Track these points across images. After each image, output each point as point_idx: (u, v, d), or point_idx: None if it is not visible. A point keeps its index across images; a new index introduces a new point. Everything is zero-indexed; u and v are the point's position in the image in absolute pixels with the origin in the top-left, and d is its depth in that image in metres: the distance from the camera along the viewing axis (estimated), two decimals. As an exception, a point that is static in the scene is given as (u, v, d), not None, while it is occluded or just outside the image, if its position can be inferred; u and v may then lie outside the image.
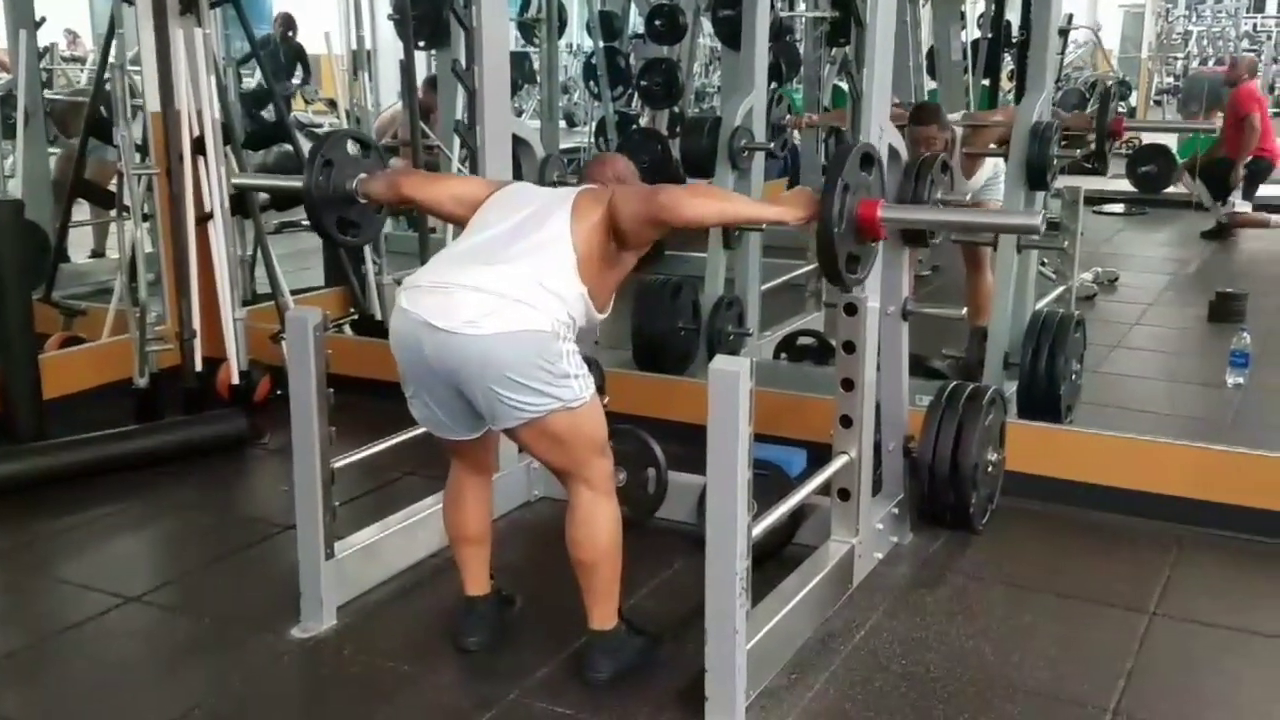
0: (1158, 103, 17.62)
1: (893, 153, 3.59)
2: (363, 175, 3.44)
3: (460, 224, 3.16)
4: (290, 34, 10.73)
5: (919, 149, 5.36)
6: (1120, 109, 15.74)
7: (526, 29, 10.68)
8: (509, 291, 2.81)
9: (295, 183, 3.50)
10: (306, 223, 9.04)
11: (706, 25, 9.56)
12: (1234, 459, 4.11)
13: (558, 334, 2.84)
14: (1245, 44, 18.44)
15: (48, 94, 7.84)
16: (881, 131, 3.51)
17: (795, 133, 7.65)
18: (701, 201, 2.98)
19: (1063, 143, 5.03)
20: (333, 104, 8.44)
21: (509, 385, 2.81)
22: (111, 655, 3.40)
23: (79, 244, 8.06)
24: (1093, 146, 5.35)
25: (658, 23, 9.24)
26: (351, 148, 3.54)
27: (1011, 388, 4.81)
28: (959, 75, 8.45)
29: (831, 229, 2.88)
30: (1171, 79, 18.26)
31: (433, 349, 2.83)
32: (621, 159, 3.34)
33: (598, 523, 3.00)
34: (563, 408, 2.88)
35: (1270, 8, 21.11)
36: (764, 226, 5.55)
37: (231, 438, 4.87)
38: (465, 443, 3.14)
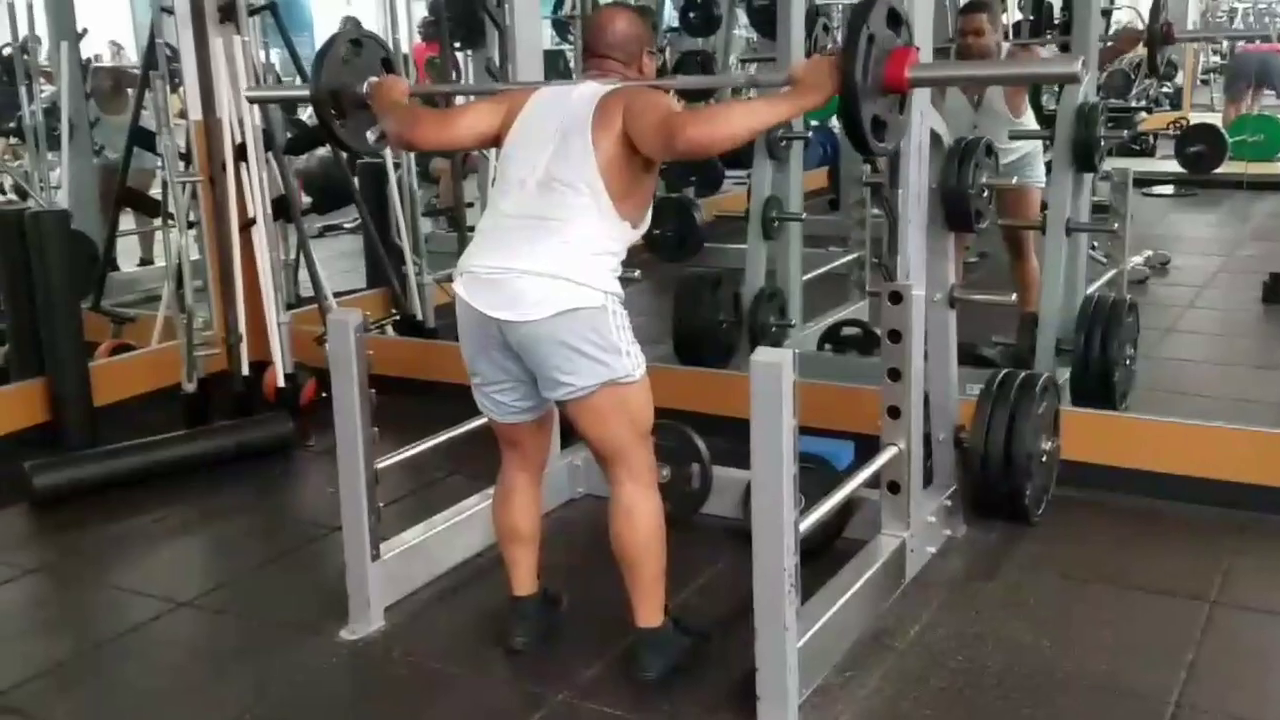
0: (1204, 82, 17.39)
1: (935, 137, 3.54)
2: (372, 79, 3.39)
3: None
4: None
5: (965, 40, 5.28)
6: (1166, 90, 15.58)
7: (561, 26, 10.63)
8: (560, 270, 2.83)
9: (304, 91, 3.48)
10: (348, 225, 9.11)
11: (741, 16, 9.47)
12: (1294, 442, 4.02)
13: (607, 307, 2.87)
14: (1294, 21, 18.17)
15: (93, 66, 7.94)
16: (922, 116, 3.45)
17: (834, 117, 7.52)
18: (725, 129, 2.74)
19: (1109, 124, 4.95)
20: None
21: (561, 359, 2.86)
22: (162, 660, 3.41)
23: (129, 253, 8.14)
24: (1139, 128, 5.27)
25: (692, 15, 9.16)
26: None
27: (1064, 374, 4.74)
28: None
29: (857, 96, 2.61)
30: (1218, 58, 18.01)
31: (496, 331, 2.91)
32: (619, 15, 3.15)
33: (640, 515, 2.98)
34: (611, 383, 2.90)
35: (1320, -17, 20.80)
36: (803, 215, 5.53)
37: (278, 440, 4.89)
38: (523, 429, 3.14)
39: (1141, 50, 14.96)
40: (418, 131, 3.21)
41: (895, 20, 2.75)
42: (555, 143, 2.92)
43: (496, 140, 3.10)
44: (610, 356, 2.88)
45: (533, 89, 3.12)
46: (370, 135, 3.47)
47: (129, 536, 4.21)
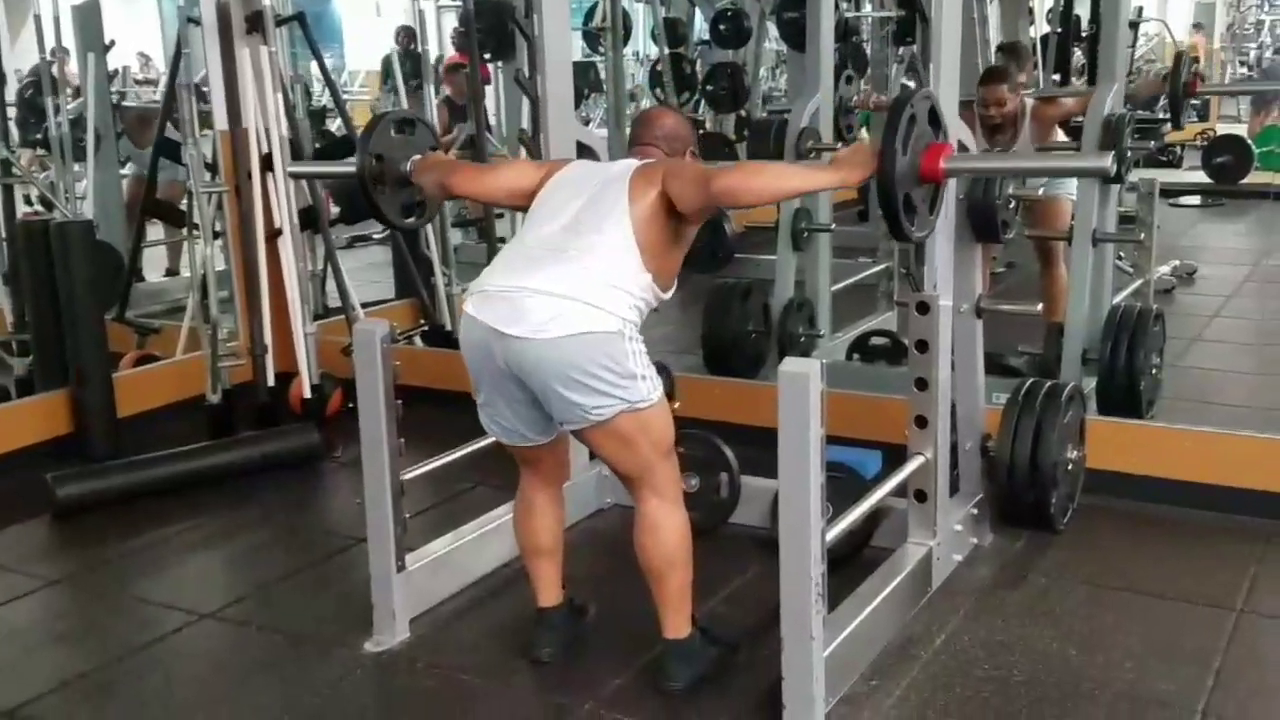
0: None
1: (961, 148, 3.52)
2: (416, 156, 3.43)
3: (519, 210, 3.17)
4: (413, 46, 10.54)
5: (987, 110, 5.31)
6: (1193, 101, 15.48)
7: (591, 38, 10.65)
8: (575, 293, 2.80)
9: (349, 167, 3.50)
10: (376, 236, 9.14)
11: (771, 28, 9.49)
12: (1322, 452, 4.00)
13: (624, 333, 2.83)
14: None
15: (121, 104, 7.98)
16: (949, 128, 3.44)
17: (864, 129, 7.56)
18: (758, 183, 2.87)
19: (1136, 135, 4.93)
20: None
21: (576, 386, 2.80)
22: (186, 672, 3.41)
23: (154, 264, 8.17)
24: (1166, 139, 5.24)
25: (722, 27, 9.20)
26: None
27: (1090, 384, 4.72)
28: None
29: (893, 177, 2.77)
30: (1245, 69, 17.95)
31: (502, 354, 2.85)
32: (669, 113, 3.33)
33: (665, 530, 2.97)
34: (629, 408, 2.86)
35: (1346, -7, 20.74)
36: (832, 226, 5.53)
37: (304, 451, 4.89)
38: (536, 449, 3.12)
39: (1169, 60, 14.94)
40: (454, 178, 3.30)
41: (933, 117, 2.93)
42: (590, 194, 2.96)
43: (530, 197, 3.10)
44: (627, 382, 2.84)
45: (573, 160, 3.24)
46: (405, 165, 3.46)
47: (152, 548, 4.21)
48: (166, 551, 4.20)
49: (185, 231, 5.68)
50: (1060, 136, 5.66)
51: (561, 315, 2.78)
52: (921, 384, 3.47)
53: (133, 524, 4.36)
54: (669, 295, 3.01)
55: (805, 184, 3.12)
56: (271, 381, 5.31)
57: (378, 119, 3.51)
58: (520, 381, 2.88)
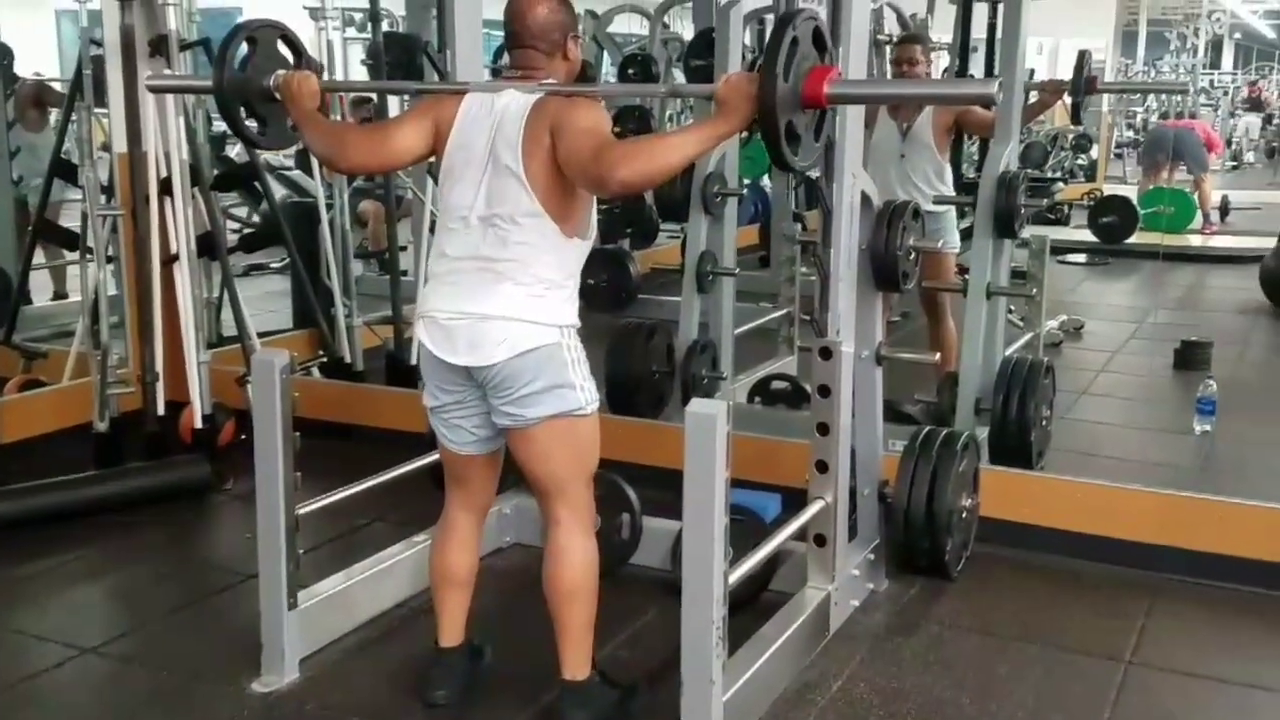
0: (1118, 155, 17.83)
1: (865, 199, 3.58)
2: (280, 72, 3.30)
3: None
4: None
5: (900, 69, 5.63)
6: (1081, 162, 15.96)
7: (499, 76, 10.65)
8: (516, 313, 2.84)
9: (207, 82, 3.40)
10: (275, 265, 8.99)
11: (679, 74, 9.57)
12: (1205, 506, 4.10)
13: (562, 343, 2.88)
14: (1203, 99, 18.72)
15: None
16: (854, 179, 3.49)
17: (766, 176, 7.62)
18: (651, 167, 2.67)
19: (1028, 193, 5.05)
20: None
21: (515, 394, 2.87)
22: (65, 709, 3.31)
23: (41, 286, 7.97)
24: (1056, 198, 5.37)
25: (630, 71, 9.26)
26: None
27: (983, 433, 4.79)
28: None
29: (773, 102, 2.57)
30: (1131, 133, 18.51)
31: (456, 369, 2.92)
32: (541, 2, 3.01)
33: (575, 558, 2.96)
34: (563, 415, 2.89)
35: (1226, 64, 21.53)
36: (736, 270, 5.57)
37: (194, 483, 4.77)
38: (474, 463, 3.11)
39: (1059, 124, 15.33)
40: (348, 156, 3.19)
41: (819, 40, 2.72)
42: (489, 170, 2.89)
43: (429, 154, 3.07)
44: (564, 390, 2.88)
45: (457, 96, 3.04)
46: (268, 81, 3.32)
47: (33, 580, 4.08)
48: (48, 584, 4.07)
49: (78, 254, 5.54)
50: (947, 176, 5.79)
51: (509, 338, 2.84)
52: (823, 429, 3.50)
53: (13, 554, 4.23)
54: (594, 232, 3.02)
55: (698, 147, 2.74)
56: (162, 410, 5.17)
57: (235, 31, 3.36)
58: (471, 378, 2.93)
